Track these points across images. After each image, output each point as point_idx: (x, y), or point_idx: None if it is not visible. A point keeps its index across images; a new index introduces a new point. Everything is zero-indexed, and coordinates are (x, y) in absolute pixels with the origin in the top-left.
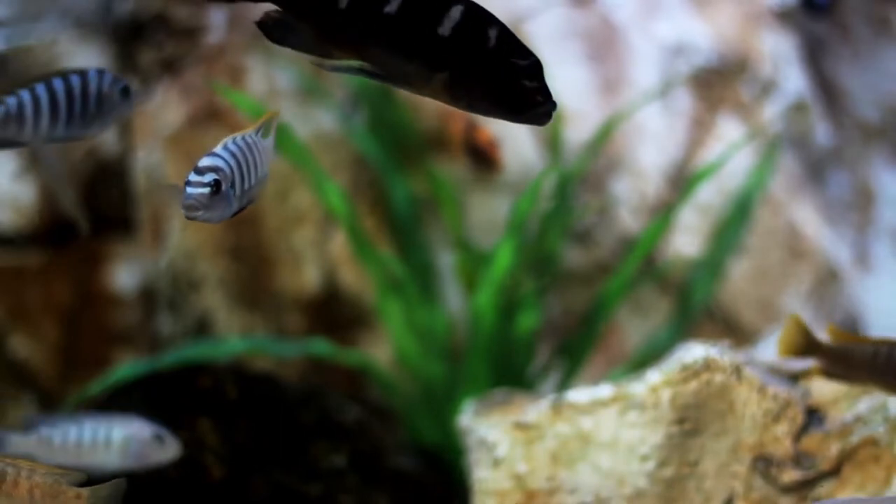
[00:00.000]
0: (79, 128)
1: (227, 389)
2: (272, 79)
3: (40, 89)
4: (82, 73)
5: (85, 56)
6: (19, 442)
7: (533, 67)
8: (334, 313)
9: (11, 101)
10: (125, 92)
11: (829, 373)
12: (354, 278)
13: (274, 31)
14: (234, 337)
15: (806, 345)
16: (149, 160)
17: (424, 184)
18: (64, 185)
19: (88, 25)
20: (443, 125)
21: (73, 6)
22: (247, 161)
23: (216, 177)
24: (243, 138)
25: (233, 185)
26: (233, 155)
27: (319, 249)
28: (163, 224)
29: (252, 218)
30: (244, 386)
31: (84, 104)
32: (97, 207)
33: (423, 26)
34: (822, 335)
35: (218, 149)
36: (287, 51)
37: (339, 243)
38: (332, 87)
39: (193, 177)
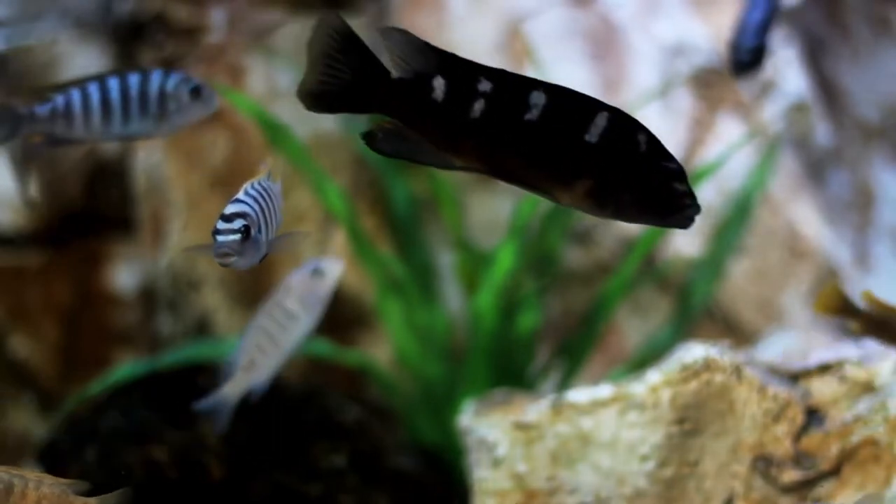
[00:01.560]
0: (139, 127)
1: None
2: (272, 79)
3: (92, 87)
4: (143, 73)
5: (85, 56)
6: None
7: (681, 171)
8: (334, 313)
9: (60, 98)
10: (195, 93)
11: (866, 333)
12: (354, 278)
13: (384, 143)
14: (234, 337)
15: (842, 307)
16: (149, 160)
17: (424, 184)
18: (19, 164)
19: (88, 25)
20: None
21: (73, 6)
22: (268, 206)
23: (245, 222)
24: (260, 183)
25: (259, 229)
26: (255, 200)
27: (319, 249)
28: (163, 224)
29: None
30: None
31: (143, 104)
32: (97, 207)
33: (568, 134)
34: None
35: (241, 195)
36: (287, 51)
37: (339, 243)
38: None
39: (223, 224)
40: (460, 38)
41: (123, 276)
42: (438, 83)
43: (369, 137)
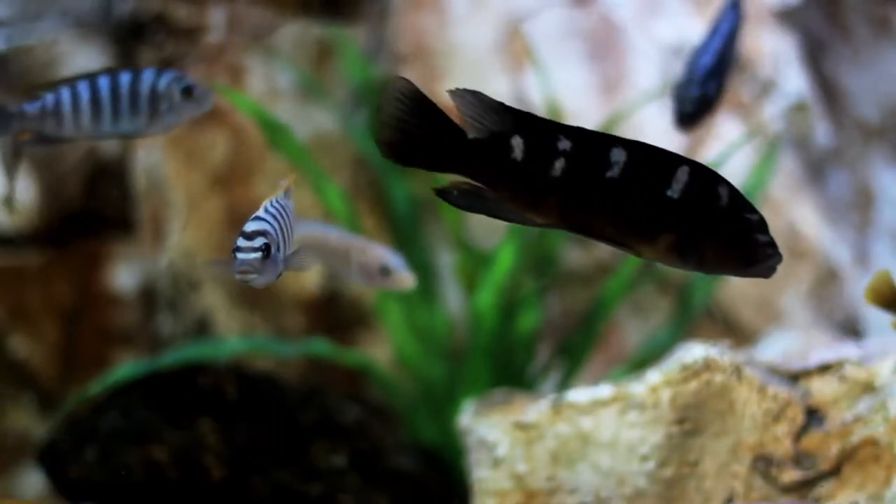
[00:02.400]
0: (129, 125)
1: (227, 389)
2: (272, 79)
3: (82, 86)
4: (135, 71)
5: (85, 56)
6: None
7: (762, 222)
8: (334, 313)
9: (50, 96)
10: (187, 92)
11: None
12: None
13: (461, 200)
14: (234, 337)
15: (892, 298)
16: (149, 160)
17: (424, 184)
18: (7, 162)
19: (88, 25)
20: None
21: (73, 6)
22: (285, 223)
23: (265, 240)
24: (277, 201)
25: (278, 247)
26: (274, 218)
27: None
28: (163, 224)
29: None
30: (244, 386)
31: (133, 102)
32: (97, 207)
33: (651, 191)
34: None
35: (261, 212)
36: (287, 51)
37: None
38: (332, 87)
39: (244, 242)
40: (460, 38)
41: (123, 276)
42: (517, 143)
43: (444, 194)
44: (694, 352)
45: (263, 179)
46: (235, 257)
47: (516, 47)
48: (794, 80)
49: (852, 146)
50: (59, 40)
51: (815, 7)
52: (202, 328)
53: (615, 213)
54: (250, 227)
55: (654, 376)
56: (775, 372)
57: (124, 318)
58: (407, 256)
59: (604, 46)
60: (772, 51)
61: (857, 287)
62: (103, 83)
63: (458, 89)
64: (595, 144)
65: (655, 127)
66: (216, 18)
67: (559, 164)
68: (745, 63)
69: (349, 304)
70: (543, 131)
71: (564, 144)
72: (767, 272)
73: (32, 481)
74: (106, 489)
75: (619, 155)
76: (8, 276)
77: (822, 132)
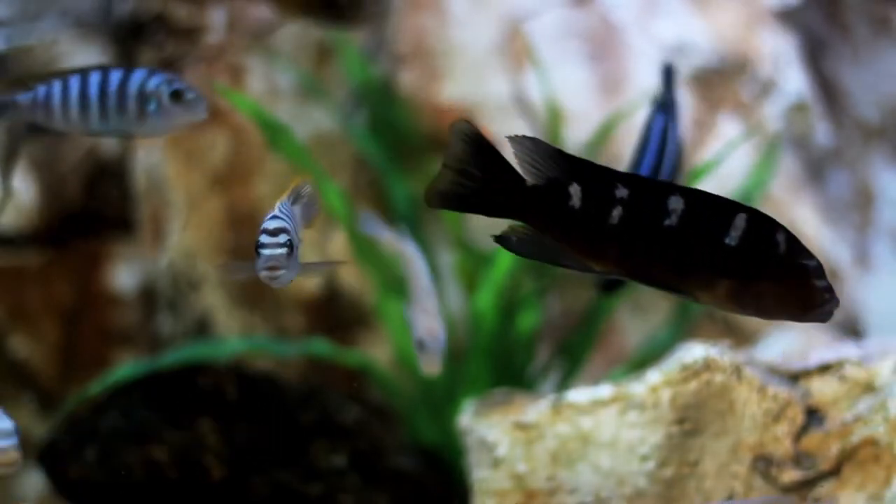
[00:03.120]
0: (118, 125)
1: (227, 389)
2: (272, 79)
3: (73, 80)
4: (126, 70)
5: (85, 56)
6: None
7: (820, 267)
8: (334, 313)
9: (42, 88)
10: (176, 95)
11: None
12: (354, 278)
13: (519, 246)
14: (234, 337)
15: None
16: (149, 160)
17: (424, 184)
18: (5, 152)
19: (88, 25)
20: (439, 127)
21: (73, 6)
22: (295, 224)
23: (289, 237)
24: (287, 204)
25: (296, 246)
26: (290, 218)
27: (319, 249)
28: (163, 224)
29: (252, 218)
30: (244, 386)
31: (121, 101)
32: (97, 207)
33: (708, 237)
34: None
35: (277, 212)
36: (287, 51)
37: (339, 243)
38: (332, 87)
39: (268, 238)
40: (460, 38)
41: (123, 276)
42: (574, 190)
43: (503, 241)
44: (694, 352)
45: (263, 179)
46: (260, 254)
47: (516, 47)
48: (794, 80)
49: (852, 146)
50: (59, 40)
51: (815, 7)
52: (202, 328)
53: (673, 261)
54: (272, 224)
55: (654, 376)
56: (775, 372)
57: (124, 318)
58: None
59: (604, 46)
60: (772, 51)
61: (857, 287)
62: (93, 80)
63: (516, 136)
64: (652, 192)
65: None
66: (216, 18)
67: (617, 212)
68: (744, 63)
69: (349, 304)
70: (601, 179)
71: (622, 192)
72: (825, 317)
73: (32, 481)
74: (106, 489)
75: (676, 203)
76: (8, 276)
77: (822, 132)
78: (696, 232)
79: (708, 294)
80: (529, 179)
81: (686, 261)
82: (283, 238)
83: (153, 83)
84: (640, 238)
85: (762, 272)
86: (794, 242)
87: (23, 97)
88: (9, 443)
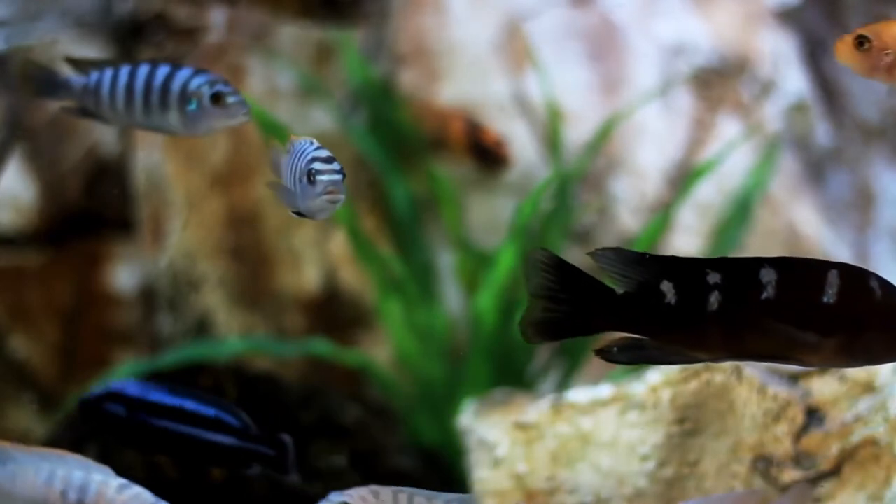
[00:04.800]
0: (159, 121)
1: (227, 389)
2: (272, 79)
3: (123, 71)
4: (173, 67)
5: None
6: None
7: None
8: (334, 313)
9: (94, 74)
10: (217, 98)
11: None
12: (354, 278)
13: (624, 356)
14: (234, 337)
15: None
16: (149, 160)
17: (424, 184)
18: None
19: (88, 25)
20: (442, 127)
21: (73, 6)
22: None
23: (340, 165)
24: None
25: None
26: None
27: (319, 249)
28: (163, 224)
29: (252, 218)
30: (244, 386)
31: (163, 98)
32: (97, 207)
33: (807, 301)
34: None
35: (316, 143)
36: (287, 51)
37: (339, 243)
38: (332, 87)
39: (323, 165)
40: (460, 38)
41: (123, 276)
42: (667, 287)
43: (605, 354)
44: None
45: (263, 179)
46: (317, 181)
47: (516, 47)
48: (794, 80)
49: (852, 146)
50: (59, 40)
51: (815, 7)
52: (202, 328)
53: (778, 332)
54: (322, 153)
55: (653, 376)
56: (775, 372)
57: (124, 318)
58: (407, 256)
59: (604, 46)
60: (772, 51)
61: None
62: (141, 73)
63: (597, 250)
64: (743, 270)
65: (655, 127)
66: (216, 18)
67: (714, 298)
68: (744, 63)
69: (349, 304)
70: (690, 270)
71: (714, 278)
72: None
73: None
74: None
75: (768, 275)
76: (8, 276)
77: (822, 132)
78: (794, 298)
79: (817, 356)
80: (619, 288)
81: (791, 329)
82: (336, 165)
83: (195, 83)
84: (742, 318)
85: (865, 323)
86: (887, 286)
87: (76, 80)
88: None
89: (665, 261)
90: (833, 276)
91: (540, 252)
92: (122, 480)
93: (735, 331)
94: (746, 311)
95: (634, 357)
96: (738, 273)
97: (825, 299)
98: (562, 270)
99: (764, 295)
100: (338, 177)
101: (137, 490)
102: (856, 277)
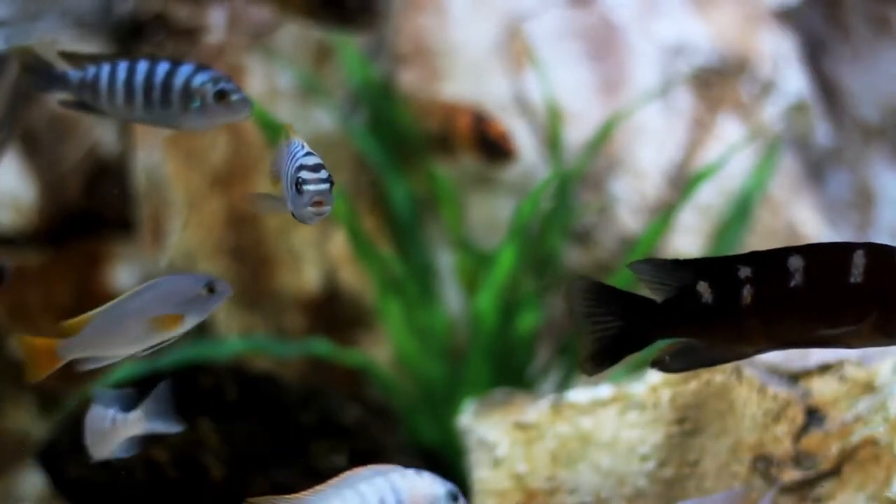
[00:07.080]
0: (160, 117)
1: (227, 389)
2: (272, 79)
3: (121, 66)
4: (174, 63)
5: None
6: None
7: None
8: (334, 313)
9: (92, 69)
10: (221, 95)
11: None
12: (354, 278)
13: (675, 363)
14: (234, 337)
15: None
16: (149, 160)
17: (424, 184)
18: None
19: (88, 25)
20: (449, 121)
21: (73, 6)
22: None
23: (328, 173)
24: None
25: None
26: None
27: (319, 249)
28: (163, 224)
29: (252, 218)
30: (244, 386)
31: (165, 95)
32: (97, 207)
33: (837, 283)
34: None
35: (306, 149)
36: (287, 51)
37: (339, 243)
38: (332, 87)
39: (310, 174)
40: (460, 38)
41: (123, 276)
42: (703, 287)
43: (660, 365)
44: None
45: (263, 179)
46: (303, 191)
47: (516, 47)
48: (794, 80)
49: (852, 146)
50: (59, 40)
51: (815, 7)
52: (202, 328)
53: (814, 316)
54: (310, 160)
55: (654, 376)
56: (775, 372)
57: None
58: (407, 256)
59: (604, 46)
60: (772, 51)
61: None
62: (140, 68)
63: (633, 263)
64: (772, 261)
65: (655, 127)
66: (216, 18)
67: (747, 292)
68: (744, 63)
69: (349, 304)
70: (722, 268)
71: (745, 272)
72: None
73: (32, 481)
74: (106, 489)
75: (796, 262)
76: None
77: (822, 132)
78: (823, 282)
79: (856, 336)
80: (659, 297)
81: (825, 312)
82: (324, 173)
83: (199, 80)
84: (776, 306)
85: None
86: None
87: (73, 74)
88: None
89: (696, 263)
90: (858, 257)
91: (579, 280)
92: (412, 469)
93: (773, 321)
94: (779, 302)
95: (688, 363)
96: (768, 265)
97: (853, 280)
98: (603, 294)
99: (793, 283)
100: (324, 186)
101: (426, 473)
102: (881, 254)
